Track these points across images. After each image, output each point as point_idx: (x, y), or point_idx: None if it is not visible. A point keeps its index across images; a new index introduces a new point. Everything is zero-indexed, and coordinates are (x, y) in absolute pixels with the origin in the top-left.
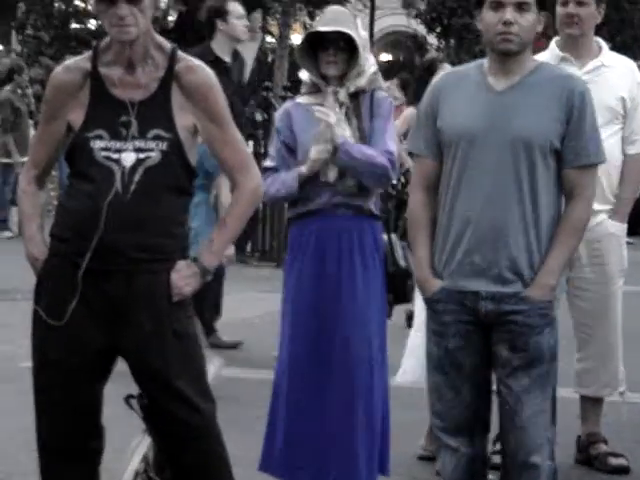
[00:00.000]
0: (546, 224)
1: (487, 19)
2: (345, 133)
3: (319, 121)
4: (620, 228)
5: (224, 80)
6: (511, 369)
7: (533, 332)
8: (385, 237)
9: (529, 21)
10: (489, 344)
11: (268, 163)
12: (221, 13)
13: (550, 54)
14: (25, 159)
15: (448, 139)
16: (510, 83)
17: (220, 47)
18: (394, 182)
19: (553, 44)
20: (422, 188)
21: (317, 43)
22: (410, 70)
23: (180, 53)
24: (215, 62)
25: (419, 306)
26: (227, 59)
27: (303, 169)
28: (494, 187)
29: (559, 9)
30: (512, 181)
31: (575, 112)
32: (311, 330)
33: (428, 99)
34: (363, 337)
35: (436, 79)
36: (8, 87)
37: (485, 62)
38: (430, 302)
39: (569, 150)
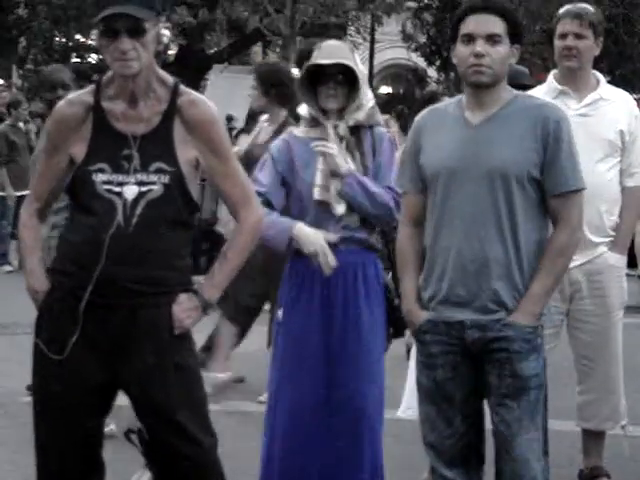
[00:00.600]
0: (527, 254)
1: (460, 53)
2: (351, 167)
3: (321, 155)
4: (620, 260)
5: None
6: (500, 397)
7: (518, 358)
8: (387, 270)
9: (500, 53)
10: (479, 375)
11: (258, 188)
12: (309, 56)
13: (548, 87)
14: (22, 193)
15: (430, 175)
16: (486, 116)
17: None
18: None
19: (551, 77)
20: (409, 223)
21: (316, 77)
22: (410, 103)
23: (182, 87)
24: None
25: None
26: None
27: (295, 231)
28: (473, 220)
29: (557, 42)
30: (491, 213)
31: (551, 140)
32: (318, 373)
33: (411, 136)
34: (368, 372)
35: (418, 116)
36: (7, 121)
37: (463, 97)
38: (417, 334)
39: (548, 178)
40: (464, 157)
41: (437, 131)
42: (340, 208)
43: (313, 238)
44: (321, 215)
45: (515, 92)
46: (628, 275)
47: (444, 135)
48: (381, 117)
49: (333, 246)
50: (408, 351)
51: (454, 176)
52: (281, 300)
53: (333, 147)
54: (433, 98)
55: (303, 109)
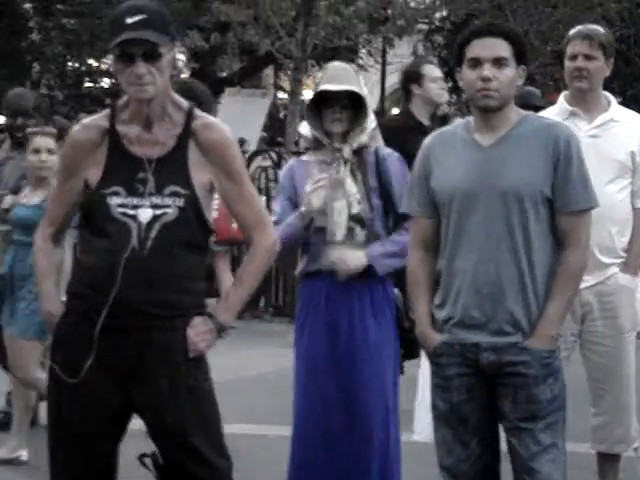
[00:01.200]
0: (541, 274)
1: (467, 77)
2: (352, 190)
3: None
4: (631, 281)
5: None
6: (517, 421)
7: (535, 382)
8: (398, 292)
9: (508, 76)
10: (494, 397)
11: (273, 218)
12: (416, 77)
13: (559, 108)
14: None
15: (441, 198)
16: (496, 138)
17: (419, 111)
18: None
19: (562, 98)
20: (419, 247)
21: (321, 100)
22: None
23: (197, 111)
24: (417, 127)
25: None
26: (426, 122)
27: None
28: (488, 241)
29: (567, 63)
30: (505, 234)
31: (562, 159)
32: (326, 386)
33: (419, 160)
34: (377, 391)
35: (426, 140)
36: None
37: (471, 119)
38: (432, 356)
39: (559, 197)
40: (477, 179)
41: (447, 154)
42: (339, 234)
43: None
44: (324, 239)
45: (523, 112)
46: None
47: (454, 158)
48: (381, 138)
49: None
50: None
51: (467, 198)
52: (295, 322)
53: (353, 263)
54: (445, 119)
55: (305, 129)
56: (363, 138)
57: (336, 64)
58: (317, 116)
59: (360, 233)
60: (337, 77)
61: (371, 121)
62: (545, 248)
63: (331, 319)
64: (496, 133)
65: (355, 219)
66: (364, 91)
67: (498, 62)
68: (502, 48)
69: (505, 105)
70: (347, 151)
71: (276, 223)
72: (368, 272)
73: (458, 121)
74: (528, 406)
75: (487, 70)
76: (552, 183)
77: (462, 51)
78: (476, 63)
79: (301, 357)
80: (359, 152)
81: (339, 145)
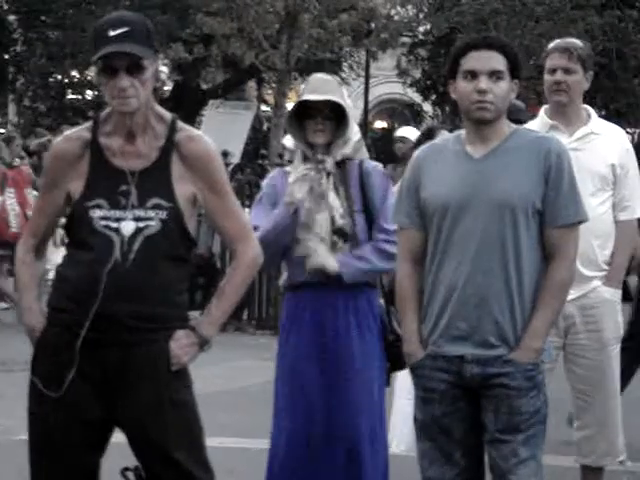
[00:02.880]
0: (529, 286)
1: (461, 88)
2: (335, 203)
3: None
4: (614, 294)
5: None
6: (497, 432)
7: (518, 395)
8: (383, 304)
9: (503, 89)
10: (477, 410)
11: (253, 223)
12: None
13: (540, 122)
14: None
15: (432, 210)
16: (488, 150)
17: None
18: None
19: (542, 112)
20: (408, 260)
21: (303, 111)
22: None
23: (180, 123)
24: None
25: (404, 373)
26: None
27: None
28: (478, 253)
29: (547, 77)
30: (497, 247)
31: (552, 173)
32: (311, 405)
33: (410, 172)
34: (364, 409)
35: (417, 152)
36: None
37: (463, 132)
38: (415, 368)
39: (549, 210)
40: (469, 191)
41: (438, 166)
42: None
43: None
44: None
45: (514, 126)
46: None
47: (445, 170)
48: (366, 151)
49: (322, 285)
50: None
51: (458, 210)
52: (280, 334)
53: (321, 249)
54: (432, 132)
55: (288, 141)
56: (346, 150)
57: (319, 75)
58: (299, 128)
59: (343, 247)
60: (319, 88)
61: (355, 133)
62: (534, 260)
63: (315, 333)
64: (488, 145)
65: (338, 233)
66: (347, 102)
67: (494, 75)
68: (498, 61)
69: (499, 118)
70: (330, 163)
71: (256, 229)
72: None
73: (445, 134)
74: (510, 418)
75: (483, 82)
76: (543, 195)
77: (456, 63)
78: (472, 75)
79: (284, 371)
80: (343, 165)
81: (322, 157)
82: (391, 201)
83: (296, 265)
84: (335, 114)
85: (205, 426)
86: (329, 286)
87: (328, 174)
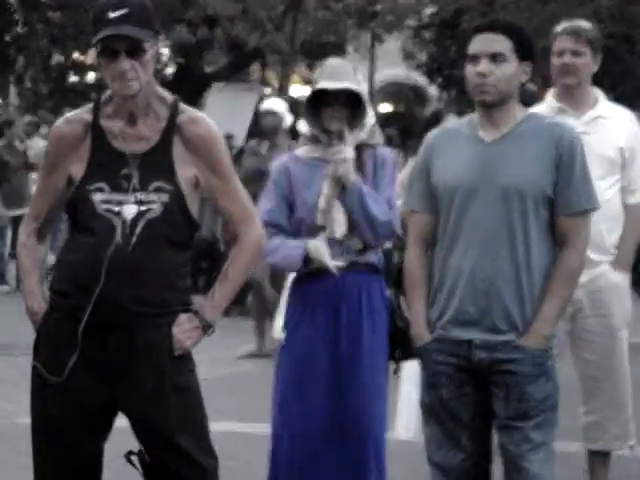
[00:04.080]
0: (539, 273)
1: (467, 72)
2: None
3: (329, 168)
4: (622, 278)
5: None
6: (508, 419)
7: (527, 381)
8: (390, 292)
9: (505, 72)
10: (487, 396)
11: (268, 218)
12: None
13: (547, 105)
14: (18, 212)
15: (442, 193)
16: (499, 134)
17: None
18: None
19: (550, 95)
20: (418, 243)
21: (319, 97)
22: (410, 121)
23: (182, 105)
24: None
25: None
26: None
27: (310, 245)
28: (487, 238)
29: (554, 60)
30: (505, 232)
31: (564, 159)
32: (323, 396)
33: (422, 155)
34: (374, 395)
35: (429, 135)
36: (1, 142)
37: (475, 116)
38: (423, 351)
39: (560, 198)
40: (479, 175)
41: (449, 149)
42: (339, 231)
43: (323, 251)
44: (320, 238)
45: (528, 110)
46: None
47: (457, 153)
48: (381, 135)
49: (339, 270)
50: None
51: (469, 194)
52: (285, 324)
53: (350, 152)
54: (439, 116)
55: (303, 126)
56: (362, 135)
57: (334, 60)
58: (315, 113)
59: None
60: (335, 74)
61: (370, 117)
62: (543, 247)
63: (329, 317)
64: (499, 130)
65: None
66: (363, 87)
67: (495, 57)
68: (500, 43)
69: (505, 101)
70: (348, 150)
71: (266, 224)
72: (365, 269)
73: (452, 118)
74: (520, 404)
75: (483, 65)
76: (554, 183)
77: (467, 47)
78: (474, 58)
79: (293, 356)
80: (358, 150)
81: (337, 143)
82: (395, 190)
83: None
84: (350, 99)
85: (208, 411)
86: (343, 271)
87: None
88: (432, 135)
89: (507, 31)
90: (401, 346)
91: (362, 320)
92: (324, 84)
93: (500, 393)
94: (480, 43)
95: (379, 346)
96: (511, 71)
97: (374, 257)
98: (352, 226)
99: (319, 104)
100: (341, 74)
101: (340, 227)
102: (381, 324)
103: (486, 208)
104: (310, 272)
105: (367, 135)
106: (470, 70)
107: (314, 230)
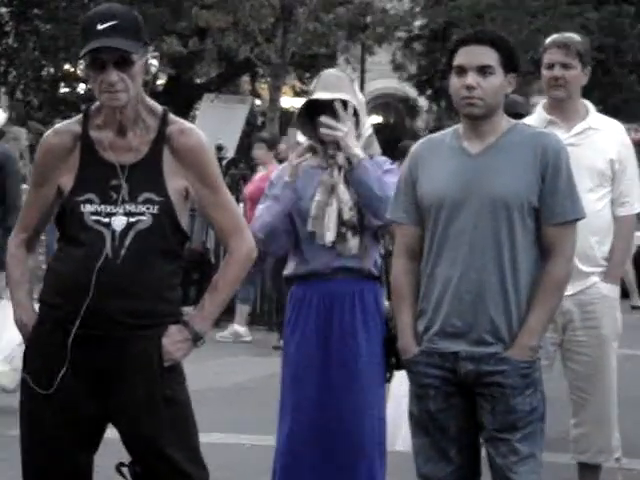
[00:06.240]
0: (525, 284)
1: (453, 84)
2: (345, 196)
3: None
4: (613, 290)
5: None
6: (495, 431)
7: (513, 393)
8: (386, 300)
9: (493, 84)
10: (474, 408)
11: (260, 219)
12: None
13: (538, 117)
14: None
15: (428, 205)
16: (485, 145)
17: None
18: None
19: (540, 107)
20: (404, 255)
21: (314, 108)
22: (401, 133)
23: (171, 116)
24: None
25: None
26: None
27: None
28: (473, 250)
29: (545, 72)
30: (491, 243)
31: (550, 169)
32: (315, 403)
33: (407, 166)
34: (366, 404)
35: (414, 146)
36: None
37: (460, 126)
38: (410, 364)
39: (546, 208)
40: (465, 187)
41: (434, 161)
42: (329, 236)
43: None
44: (314, 242)
45: (513, 121)
46: (635, 307)
47: (442, 165)
48: (378, 146)
49: (330, 275)
50: None
51: (455, 206)
52: (284, 327)
53: (344, 128)
54: (440, 129)
55: (302, 137)
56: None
57: (330, 72)
58: (310, 123)
59: (352, 239)
60: (329, 85)
61: (366, 129)
62: (529, 258)
63: (322, 323)
64: (485, 141)
65: (347, 225)
66: (359, 98)
67: (482, 70)
68: (487, 56)
69: (492, 113)
70: (341, 157)
71: (262, 224)
72: (359, 275)
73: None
74: (506, 416)
75: (470, 78)
76: (539, 193)
77: (451, 58)
78: (461, 70)
79: (289, 363)
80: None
81: (333, 152)
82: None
83: (302, 257)
84: (346, 110)
85: (198, 422)
86: (337, 277)
87: (339, 167)
88: (417, 146)
89: (493, 43)
90: (395, 354)
91: (355, 327)
92: (318, 95)
93: (487, 405)
94: (467, 55)
95: (373, 354)
96: (498, 83)
97: (369, 263)
98: (342, 233)
99: (315, 115)
100: (336, 85)
101: (329, 233)
102: (375, 331)
103: (472, 220)
104: (303, 276)
105: (364, 145)
106: (456, 82)
107: (308, 235)
